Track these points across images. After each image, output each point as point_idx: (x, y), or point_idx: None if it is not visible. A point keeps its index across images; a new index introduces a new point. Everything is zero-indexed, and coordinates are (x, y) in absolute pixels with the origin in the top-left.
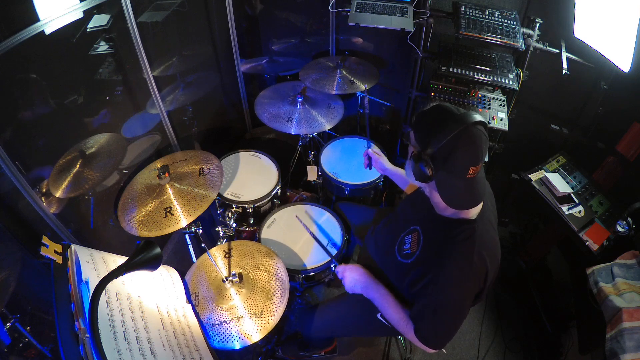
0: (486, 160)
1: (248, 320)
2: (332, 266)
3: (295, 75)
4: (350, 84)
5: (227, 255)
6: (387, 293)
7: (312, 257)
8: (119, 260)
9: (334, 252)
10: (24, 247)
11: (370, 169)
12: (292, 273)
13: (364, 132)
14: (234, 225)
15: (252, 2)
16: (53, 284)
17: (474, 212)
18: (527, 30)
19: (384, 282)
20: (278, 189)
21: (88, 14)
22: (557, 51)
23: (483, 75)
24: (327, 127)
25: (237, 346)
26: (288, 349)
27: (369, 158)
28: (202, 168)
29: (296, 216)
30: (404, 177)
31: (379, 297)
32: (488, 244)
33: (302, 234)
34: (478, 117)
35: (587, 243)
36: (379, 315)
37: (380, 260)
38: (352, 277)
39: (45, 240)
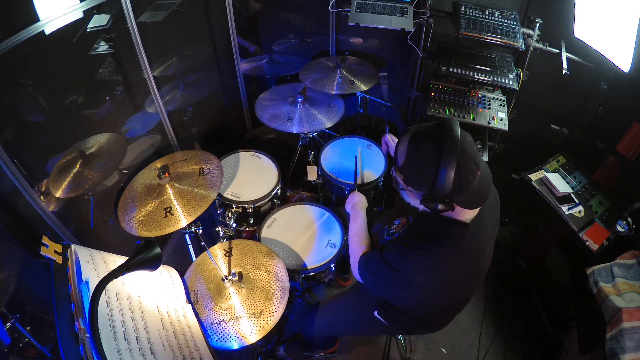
0: (486, 160)
1: (247, 320)
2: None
3: (295, 75)
4: (350, 84)
5: (227, 254)
6: (363, 232)
7: (312, 257)
8: (119, 260)
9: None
10: (24, 247)
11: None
12: (292, 273)
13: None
14: (234, 225)
15: (247, 4)
16: (53, 284)
17: (469, 216)
18: (527, 30)
19: None
20: (278, 189)
21: (88, 14)
22: (557, 51)
23: (483, 75)
24: (328, 125)
25: (235, 346)
26: (292, 350)
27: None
28: (202, 168)
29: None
30: None
31: (356, 227)
32: (472, 252)
33: (302, 234)
34: (456, 127)
35: (587, 243)
36: (376, 313)
37: None
38: (353, 198)
39: (45, 240)
